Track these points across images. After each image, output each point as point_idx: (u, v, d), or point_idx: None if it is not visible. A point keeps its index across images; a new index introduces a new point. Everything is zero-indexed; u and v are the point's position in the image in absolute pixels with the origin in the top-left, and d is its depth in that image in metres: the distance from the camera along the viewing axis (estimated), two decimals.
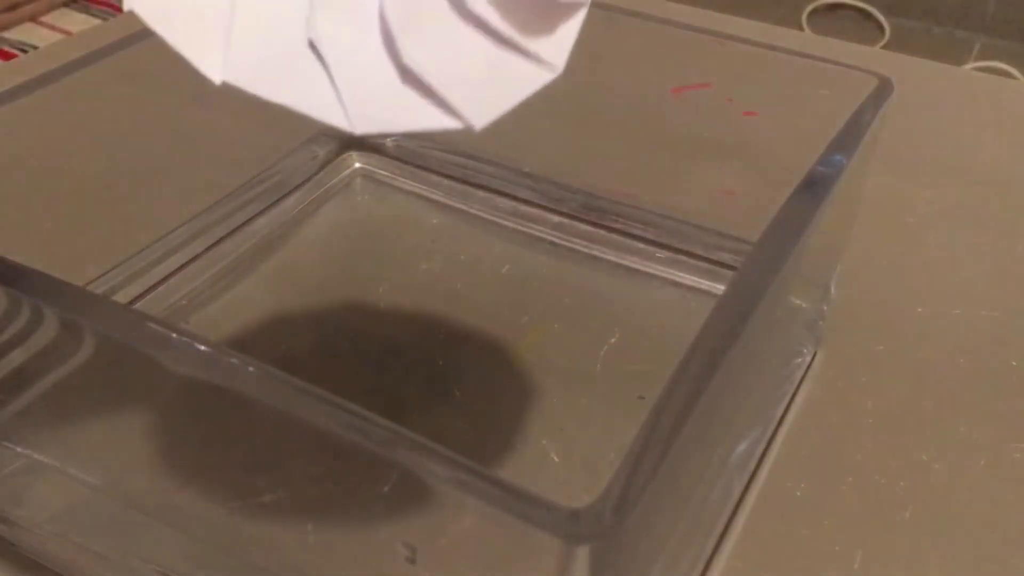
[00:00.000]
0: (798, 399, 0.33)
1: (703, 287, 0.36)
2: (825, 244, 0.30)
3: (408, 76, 0.18)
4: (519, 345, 0.33)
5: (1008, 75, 0.97)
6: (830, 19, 1.13)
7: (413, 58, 0.18)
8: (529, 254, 0.38)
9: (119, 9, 0.61)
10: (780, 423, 0.32)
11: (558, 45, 0.20)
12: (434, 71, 0.18)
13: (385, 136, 0.17)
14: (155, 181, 0.35)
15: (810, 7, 1.13)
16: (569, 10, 0.21)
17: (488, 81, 0.19)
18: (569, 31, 0.21)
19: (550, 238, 0.38)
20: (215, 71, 0.18)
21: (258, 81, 0.18)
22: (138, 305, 0.34)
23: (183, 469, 0.23)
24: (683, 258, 0.37)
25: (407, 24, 0.19)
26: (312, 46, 0.18)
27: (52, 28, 0.59)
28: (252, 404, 0.20)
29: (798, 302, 0.29)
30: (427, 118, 0.18)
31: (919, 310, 0.37)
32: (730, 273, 0.36)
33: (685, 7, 0.56)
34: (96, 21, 0.60)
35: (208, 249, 0.36)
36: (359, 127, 0.18)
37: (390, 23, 0.19)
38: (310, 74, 0.18)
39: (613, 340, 0.33)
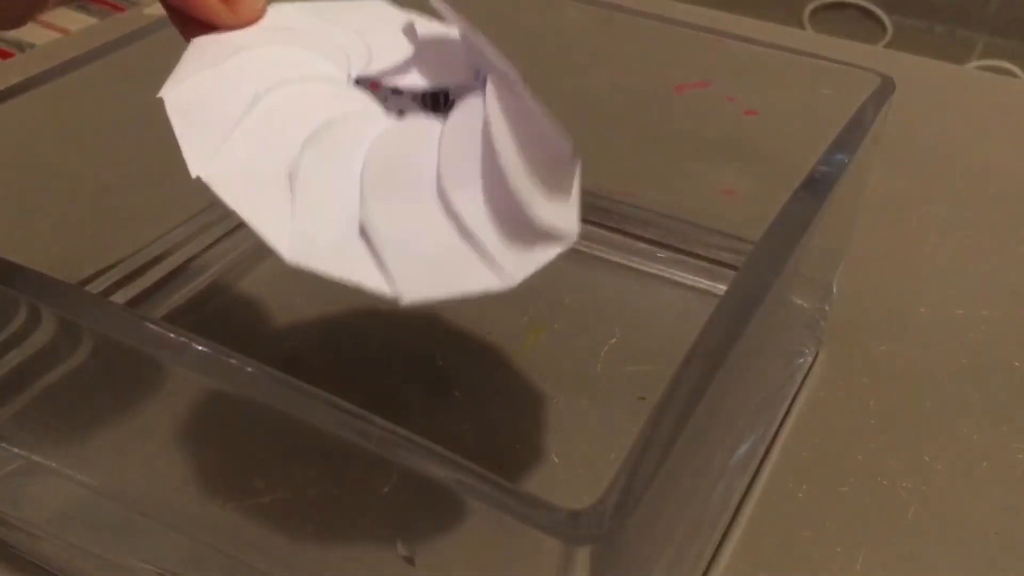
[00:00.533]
0: (800, 400, 0.33)
1: (704, 287, 0.36)
2: (827, 244, 0.30)
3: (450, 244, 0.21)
4: (519, 345, 0.33)
5: (1011, 74, 0.97)
6: (832, 17, 1.13)
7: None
8: None
9: (117, 8, 0.61)
10: (782, 424, 0.32)
11: (520, 264, 0.21)
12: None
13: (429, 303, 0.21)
14: (154, 180, 0.35)
15: (812, 5, 1.13)
16: (546, 242, 0.22)
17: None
18: (537, 259, 0.22)
19: None
20: (284, 251, 0.21)
21: (319, 260, 0.21)
22: (137, 305, 0.34)
23: (181, 470, 0.23)
24: (684, 258, 0.37)
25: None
26: (362, 230, 0.21)
27: (50, 26, 0.59)
28: (251, 404, 0.20)
29: (800, 302, 0.29)
30: (463, 284, 0.21)
31: (921, 310, 0.37)
32: (731, 273, 0.36)
33: (686, 6, 0.56)
34: (94, 20, 0.60)
35: (207, 249, 0.36)
36: (403, 299, 0.20)
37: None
38: (360, 253, 0.21)
39: (613, 340, 0.33)
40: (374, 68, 0.25)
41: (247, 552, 0.23)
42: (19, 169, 0.30)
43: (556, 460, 0.29)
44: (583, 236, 0.38)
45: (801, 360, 0.33)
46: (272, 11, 0.26)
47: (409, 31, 0.25)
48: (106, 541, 0.26)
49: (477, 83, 0.25)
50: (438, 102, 0.25)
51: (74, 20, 0.59)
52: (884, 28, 1.11)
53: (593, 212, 0.39)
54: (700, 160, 0.36)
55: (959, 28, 1.12)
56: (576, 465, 0.29)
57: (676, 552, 0.24)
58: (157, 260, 0.35)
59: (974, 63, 1.02)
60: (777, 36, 0.41)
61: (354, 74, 0.24)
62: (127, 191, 0.34)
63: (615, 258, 0.37)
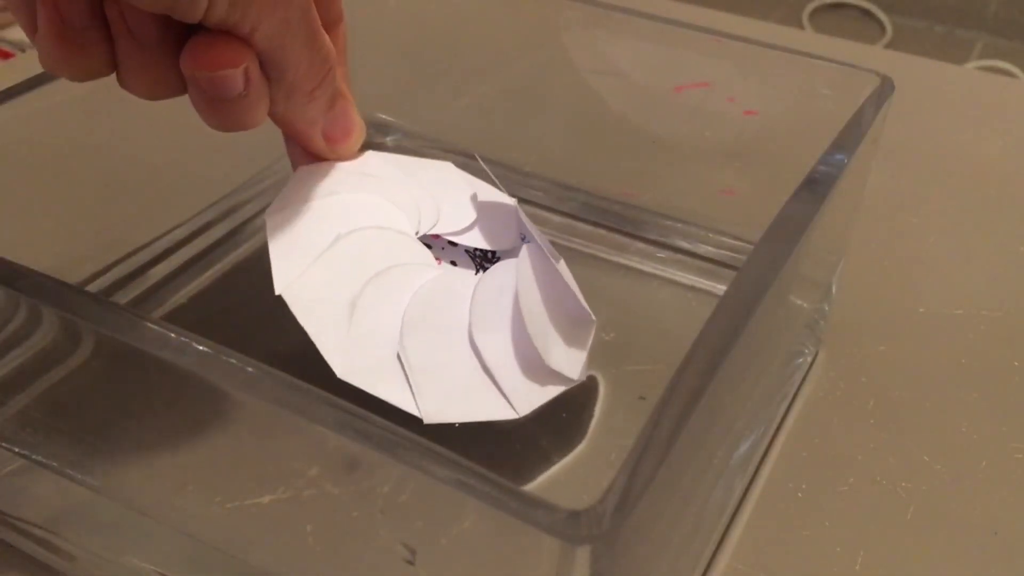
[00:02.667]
0: (799, 399, 0.33)
1: (704, 287, 0.36)
2: (826, 244, 0.30)
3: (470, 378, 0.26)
4: None
5: (1009, 74, 0.97)
6: (831, 18, 1.13)
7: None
8: None
9: None
10: (781, 423, 0.32)
11: (528, 399, 0.26)
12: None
13: (450, 423, 0.25)
14: (154, 181, 0.35)
15: (811, 6, 1.13)
16: (555, 382, 0.27)
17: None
18: (544, 395, 0.26)
19: (550, 238, 0.38)
20: (336, 366, 0.25)
21: (362, 378, 0.25)
22: (137, 305, 0.34)
23: (182, 470, 0.23)
24: (684, 258, 0.37)
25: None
26: (399, 357, 0.26)
27: None
28: (251, 404, 0.20)
29: (799, 302, 0.29)
30: (478, 411, 0.26)
31: (921, 310, 0.37)
32: (731, 273, 0.36)
33: (685, 6, 0.56)
34: None
35: (207, 249, 0.36)
36: (426, 419, 0.25)
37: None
38: (396, 377, 0.26)
39: (613, 340, 0.33)
40: (439, 228, 0.30)
41: (247, 552, 0.23)
42: (19, 169, 0.30)
43: (556, 460, 0.29)
44: (583, 236, 0.38)
45: (801, 360, 0.33)
46: (365, 156, 0.31)
47: (473, 200, 0.31)
48: (106, 541, 0.26)
49: (519, 246, 0.30)
50: (486, 256, 0.30)
51: None
52: (884, 28, 1.11)
53: (593, 212, 0.39)
54: (700, 160, 0.36)
55: (958, 28, 1.12)
56: (576, 465, 0.29)
57: (676, 552, 0.24)
58: (157, 260, 0.35)
59: (973, 63, 1.02)
60: (777, 36, 0.41)
61: (422, 230, 0.29)
62: (127, 191, 0.34)
63: (615, 258, 0.37)
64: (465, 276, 0.29)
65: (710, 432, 0.22)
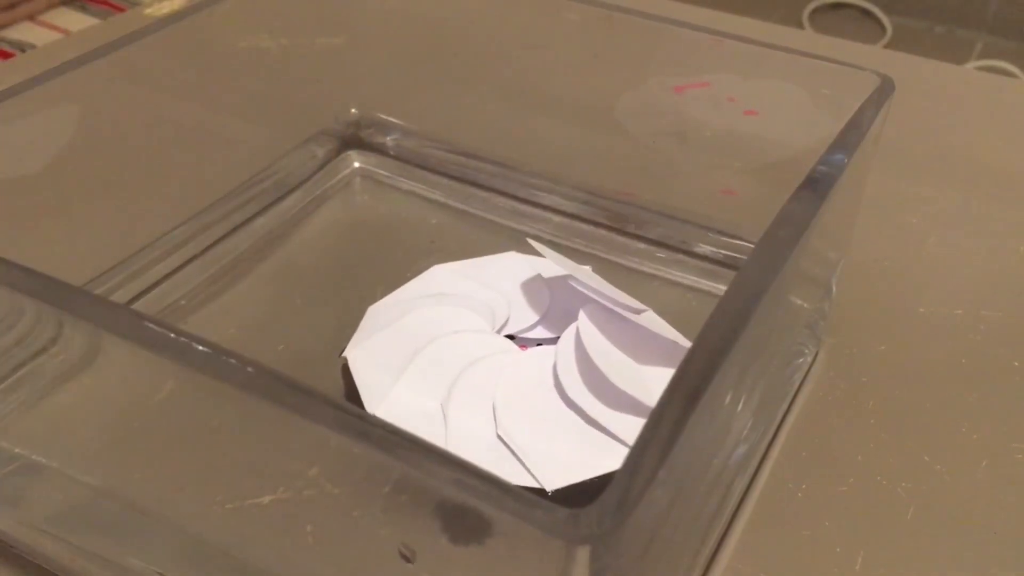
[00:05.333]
0: (799, 399, 0.33)
1: (704, 287, 0.36)
2: (827, 244, 0.30)
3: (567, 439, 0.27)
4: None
5: (1010, 74, 0.96)
6: (831, 18, 1.13)
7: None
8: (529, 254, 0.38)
9: (117, 8, 0.61)
10: (781, 424, 0.32)
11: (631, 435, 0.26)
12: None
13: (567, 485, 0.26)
14: (153, 180, 0.35)
15: (811, 6, 1.13)
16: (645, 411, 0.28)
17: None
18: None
19: (550, 238, 0.38)
20: None
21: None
22: (137, 305, 0.34)
23: (181, 469, 0.23)
24: (684, 258, 0.37)
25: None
26: (501, 441, 0.27)
27: (50, 27, 0.59)
28: (251, 404, 0.20)
29: (799, 302, 0.29)
30: (596, 467, 0.26)
31: (921, 310, 0.37)
32: (731, 273, 0.36)
33: (685, 6, 0.56)
34: (94, 20, 0.60)
35: (207, 249, 0.36)
36: (549, 488, 0.26)
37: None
38: (504, 461, 0.27)
39: None
40: (510, 327, 0.31)
41: (247, 552, 0.23)
42: (21, 169, 0.30)
43: None
44: (583, 236, 0.38)
45: (801, 360, 0.33)
46: (429, 276, 0.33)
47: (539, 288, 0.32)
48: (106, 541, 0.26)
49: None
50: None
51: (74, 20, 0.59)
52: (884, 28, 1.11)
53: (593, 212, 0.39)
54: (700, 160, 0.36)
55: (959, 28, 1.12)
56: None
57: (676, 551, 0.24)
58: (157, 260, 0.35)
59: (973, 63, 1.02)
60: (777, 36, 0.41)
61: (497, 327, 0.31)
62: (127, 191, 0.34)
63: (615, 258, 0.37)
64: (545, 351, 0.30)
65: (710, 432, 0.22)
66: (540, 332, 0.31)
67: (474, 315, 0.31)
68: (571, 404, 0.28)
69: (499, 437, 0.27)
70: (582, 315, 0.30)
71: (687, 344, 0.29)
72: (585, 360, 0.29)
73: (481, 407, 0.28)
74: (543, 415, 0.28)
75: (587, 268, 0.33)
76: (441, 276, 0.33)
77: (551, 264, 0.32)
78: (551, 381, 0.29)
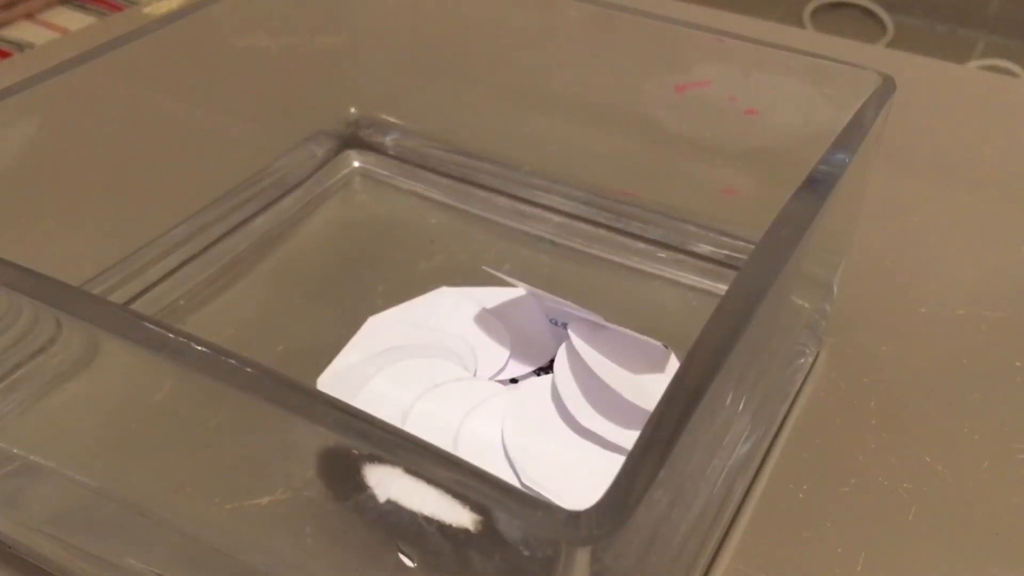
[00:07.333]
0: (801, 400, 0.33)
1: (705, 287, 0.36)
2: (828, 243, 0.30)
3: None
4: None
5: (1011, 73, 0.96)
6: (832, 17, 1.13)
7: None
8: (529, 254, 0.38)
9: (116, 7, 0.61)
10: (782, 424, 0.32)
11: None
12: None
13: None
14: (153, 180, 0.35)
15: (812, 5, 1.13)
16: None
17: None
18: None
19: (550, 238, 0.38)
20: None
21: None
22: (135, 305, 0.34)
23: (180, 470, 0.23)
24: (684, 258, 0.37)
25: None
26: (526, 487, 0.26)
27: (48, 26, 0.59)
28: (250, 404, 0.20)
29: (801, 302, 0.29)
30: None
31: (922, 310, 0.37)
32: (732, 273, 0.36)
33: (686, 6, 0.56)
34: (92, 19, 0.60)
35: (206, 248, 0.36)
36: None
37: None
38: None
39: None
40: (481, 373, 0.30)
41: (246, 553, 0.23)
42: (19, 168, 0.30)
43: None
44: (583, 236, 0.38)
45: (801, 360, 0.33)
46: (370, 327, 0.31)
47: (491, 324, 0.31)
48: (106, 541, 0.26)
49: (558, 330, 0.31)
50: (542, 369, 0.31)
51: (73, 20, 0.59)
52: (885, 27, 1.11)
53: (593, 212, 0.39)
54: (700, 160, 0.36)
55: (960, 27, 1.12)
56: None
57: (676, 552, 0.24)
58: (156, 260, 0.35)
59: (975, 62, 1.02)
60: (777, 36, 0.41)
61: (470, 370, 0.30)
62: (127, 191, 0.34)
63: (615, 258, 0.37)
64: (534, 384, 0.29)
65: (710, 433, 0.22)
66: (516, 369, 0.31)
67: (448, 363, 0.30)
68: (584, 432, 0.28)
69: (526, 487, 0.26)
70: (573, 335, 0.29)
71: (658, 344, 0.29)
72: (589, 381, 0.28)
73: (490, 458, 0.27)
74: (563, 455, 0.27)
75: (523, 288, 0.31)
76: (386, 327, 0.32)
77: (481, 292, 0.32)
78: (555, 412, 0.28)
